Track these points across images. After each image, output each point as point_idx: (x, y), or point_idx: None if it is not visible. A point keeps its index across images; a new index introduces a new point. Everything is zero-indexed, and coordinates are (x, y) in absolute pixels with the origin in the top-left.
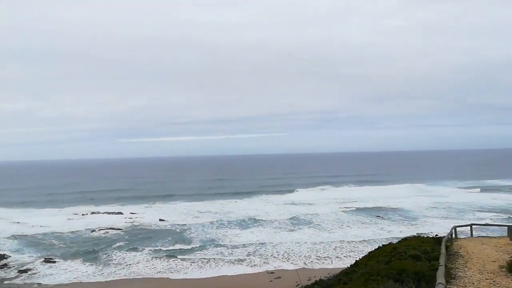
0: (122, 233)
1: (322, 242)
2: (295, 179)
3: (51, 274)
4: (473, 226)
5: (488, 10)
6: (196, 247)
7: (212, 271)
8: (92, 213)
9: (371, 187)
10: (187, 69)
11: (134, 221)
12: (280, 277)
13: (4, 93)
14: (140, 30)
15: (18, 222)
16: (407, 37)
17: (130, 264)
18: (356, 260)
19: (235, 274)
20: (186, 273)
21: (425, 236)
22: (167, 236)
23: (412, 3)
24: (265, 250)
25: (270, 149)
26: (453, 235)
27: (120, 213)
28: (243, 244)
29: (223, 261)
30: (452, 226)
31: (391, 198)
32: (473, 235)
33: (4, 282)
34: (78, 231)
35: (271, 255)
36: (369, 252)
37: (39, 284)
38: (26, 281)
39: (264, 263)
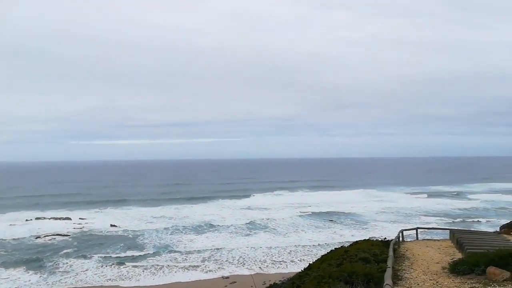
0: (70, 239)
1: (277, 247)
2: (251, 184)
3: None
4: (418, 230)
5: (433, 27)
6: (149, 253)
7: (165, 278)
8: (37, 218)
9: (326, 192)
10: (142, 71)
11: (83, 227)
12: (235, 282)
13: None
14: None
15: None
16: (360, 48)
17: (78, 272)
18: (309, 264)
19: (189, 280)
20: (138, 280)
21: (375, 239)
22: (118, 242)
23: (365, 16)
24: (220, 255)
25: (226, 154)
26: (401, 238)
27: (68, 218)
28: (198, 250)
29: (177, 267)
30: (400, 229)
31: (344, 203)
32: (419, 238)
33: None
34: (21, 238)
35: (226, 260)
36: (322, 256)
37: None
38: None
39: (219, 268)
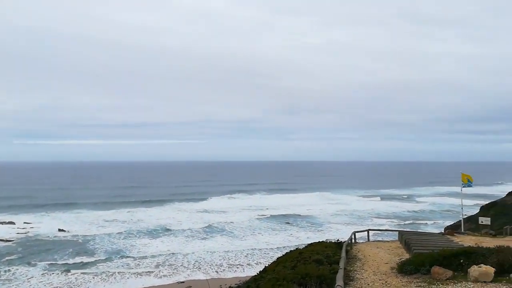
0: (14, 245)
1: (234, 250)
2: (209, 187)
3: None
4: (370, 231)
5: (386, 37)
6: (100, 259)
7: (116, 285)
8: None
9: (283, 195)
10: (98, 69)
11: (28, 231)
12: (191, 287)
13: None
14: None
15: None
16: (318, 54)
17: (22, 281)
18: (265, 266)
19: (142, 286)
20: (88, 287)
21: (329, 241)
22: (67, 248)
23: (325, 24)
24: (175, 260)
25: (184, 156)
26: (353, 240)
27: (12, 223)
28: (152, 255)
29: (129, 273)
30: (352, 231)
31: (301, 206)
32: (370, 240)
33: None
34: None
35: (182, 265)
36: (277, 258)
37: None
38: None
39: (174, 273)
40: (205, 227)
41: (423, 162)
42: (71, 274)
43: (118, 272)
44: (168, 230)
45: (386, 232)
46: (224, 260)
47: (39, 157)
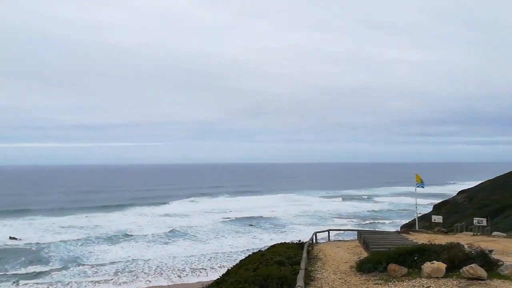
0: None
1: (197, 254)
2: (171, 190)
3: None
4: (330, 231)
5: (346, 42)
6: (55, 268)
7: None
8: None
9: (247, 197)
10: (49, 68)
11: None
12: None
13: None
14: None
15: None
16: (280, 57)
17: None
18: (228, 270)
19: None
20: None
21: (291, 242)
22: (19, 256)
23: (285, 28)
24: (135, 266)
25: (146, 159)
26: (314, 240)
27: None
28: (111, 261)
29: (86, 281)
30: (314, 232)
31: (264, 208)
32: (331, 239)
33: None
34: None
35: (142, 271)
36: (240, 261)
37: None
38: None
39: (134, 280)
40: (168, 231)
41: (382, 163)
42: (22, 285)
43: (74, 281)
44: (128, 235)
45: (346, 232)
46: (186, 264)
47: None
